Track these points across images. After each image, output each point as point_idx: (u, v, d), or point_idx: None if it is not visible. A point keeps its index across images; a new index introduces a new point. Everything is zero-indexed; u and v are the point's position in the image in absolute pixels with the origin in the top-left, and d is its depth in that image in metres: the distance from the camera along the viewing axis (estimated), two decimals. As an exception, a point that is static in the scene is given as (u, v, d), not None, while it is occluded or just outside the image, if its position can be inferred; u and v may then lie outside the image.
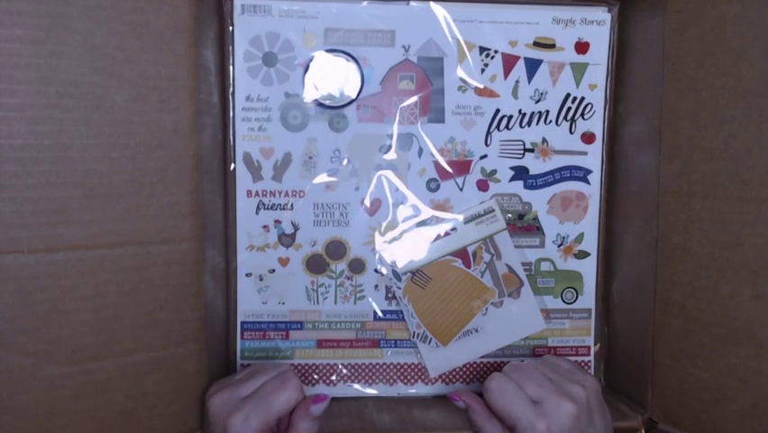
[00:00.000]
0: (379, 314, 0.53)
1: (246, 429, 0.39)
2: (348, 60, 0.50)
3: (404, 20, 0.50)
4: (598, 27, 0.52)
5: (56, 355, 0.38)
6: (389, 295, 0.53)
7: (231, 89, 0.50)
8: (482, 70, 0.51)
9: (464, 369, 0.53)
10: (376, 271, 0.52)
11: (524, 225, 0.53)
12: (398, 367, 0.53)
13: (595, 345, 0.55)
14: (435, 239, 0.52)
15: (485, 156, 0.52)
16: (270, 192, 0.51)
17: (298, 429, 0.41)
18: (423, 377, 0.53)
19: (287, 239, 0.52)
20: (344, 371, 0.53)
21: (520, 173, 0.53)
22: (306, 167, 0.51)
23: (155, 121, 0.40)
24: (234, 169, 0.51)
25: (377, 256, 0.52)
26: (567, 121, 0.53)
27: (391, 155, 0.52)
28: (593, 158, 0.53)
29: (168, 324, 0.41)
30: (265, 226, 0.51)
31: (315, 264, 0.52)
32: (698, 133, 0.45)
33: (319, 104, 0.50)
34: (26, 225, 0.37)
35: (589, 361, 0.55)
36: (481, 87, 0.52)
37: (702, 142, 0.44)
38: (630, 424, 0.49)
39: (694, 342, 0.45)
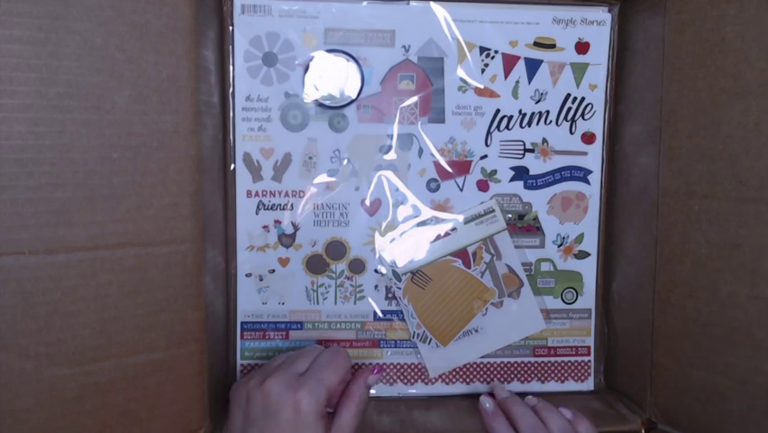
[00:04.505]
0: (379, 314, 0.53)
1: (316, 401, 0.39)
2: (348, 60, 0.50)
3: (404, 20, 0.50)
4: (598, 27, 0.52)
5: (57, 357, 0.38)
6: (389, 295, 0.53)
7: (231, 89, 0.50)
8: (482, 70, 0.51)
9: (464, 369, 0.54)
10: (376, 271, 0.52)
11: (524, 225, 0.53)
12: (398, 367, 0.53)
13: (595, 345, 0.55)
14: (435, 239, 0.52)
15: (485, 156, 0.52)
16: (270, 192, 0.51)
17: (356, 397, 0.43)
18: (423, 377, 0.53)
19: (287, 239, 0.52)
20: (344, 370, 0.53)
21: (520, 173, 0.53)
22: (306, 167, 0.51)
23: (156, 122, 0.40)
24: (234, 169, 0.51)
25: (377, 256, 0.52)
26: (567, 121, 0.53)
27: (391, 155, 0.52)
28: (593, 158, 0.53)
29: (168, 325, 0.41)
30: (265, 227, 0.51)
31: (315, 264, 0.52)
32: (697, 134, 0.45)
33: (319, 104, 0.50)
34: (27, 226, 0.36)
35: (589, 361, 0.55)
36: (482, 87, 0.52)
37: (701, 143, 0.44)
38: (630, 427, 0.49)
39: (693, 342, 0.45)
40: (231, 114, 0.50)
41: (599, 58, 0.52)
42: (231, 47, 0.49)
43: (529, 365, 0.54)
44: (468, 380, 0.54)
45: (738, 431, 0.43)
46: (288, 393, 0.39)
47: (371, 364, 0.43)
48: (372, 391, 0.53)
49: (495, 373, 0.54)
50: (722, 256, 0.43)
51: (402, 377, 0.53)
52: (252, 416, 0.40)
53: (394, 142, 0.51)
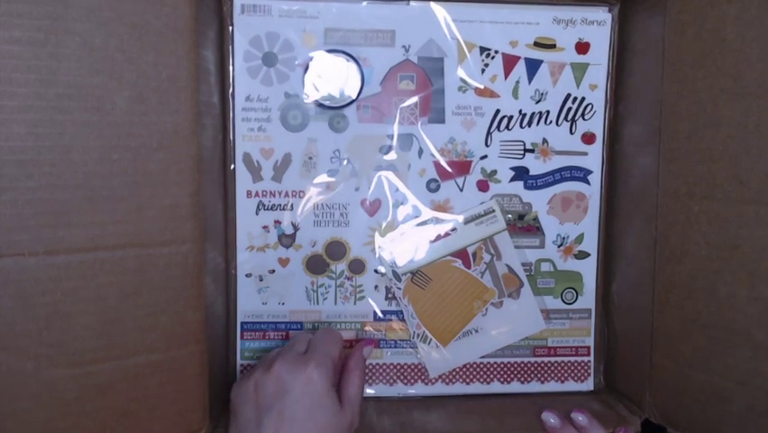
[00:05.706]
0: (379, 314, 0.53)
1: (326, 371, 0.41)
2: (348, 60, 0.50)
3: (404, 20, 0.50)
4: (598, 27, 0.52)
5: (57, 358, 0.38)
6: (389, 295, 0.53)
7: (231, 90, 0.50)
8: (483, 71, 0.51)
9: (464, 369, 0.54)
10: (376, 271, 0.52)
11: (524, 225, 0.53)
12: (398, 367, 0.53)
13: (594, 345, 0.55)
14: (435, 239, 0.52)
15: (485, 156, 0.52)
16: (270, 192, 0.51)
17: (356, 370, 0.45)
18: (423, 377, 0.53)
19: (287, 239, 0.52)
20: (344, 371, 0.53)
21: (520, 174, 0.53)
22: (306, 167, 0.51)
23: (155, 122, 0.40)
24: (234, 169, 0.51)
25: (377, 256, 0.52)
26: (567, 121, 0.53)
27: (391, 155, 0.51)
28: (593, 158, 0.53)
29: (169, 326, 0.41)
30: (265, 227, 0.51)
31: (315, 265, 0.52)
32: (696, 135, 0.45)
33: (319, 104, 0.50)
34: (27, 227, 0.36)
35: (589, 361, 0.55)
36: (482, 87, 0.51)
37: (701, 144, 0.44)
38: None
39: (692, 343, 0.45)
40: (231, 114, 0.50)
41: (600, 58, 0.52)
42: (231, 47, 0.49)
43: (529, 365, 0.54)
44: (468, 380, 0.54)
45: (737, 432, 0.43)
46: (298, 370, 0.40)
47: (363, 340, 0.48)
48: (372, 392, 0.53)
49: (495, 373, 0.54)
50: (721, 257, 0.43)
51: (402, 377, 0.53)
52: (265, 402, 0.40)
53: (394, 143, 0.51)
